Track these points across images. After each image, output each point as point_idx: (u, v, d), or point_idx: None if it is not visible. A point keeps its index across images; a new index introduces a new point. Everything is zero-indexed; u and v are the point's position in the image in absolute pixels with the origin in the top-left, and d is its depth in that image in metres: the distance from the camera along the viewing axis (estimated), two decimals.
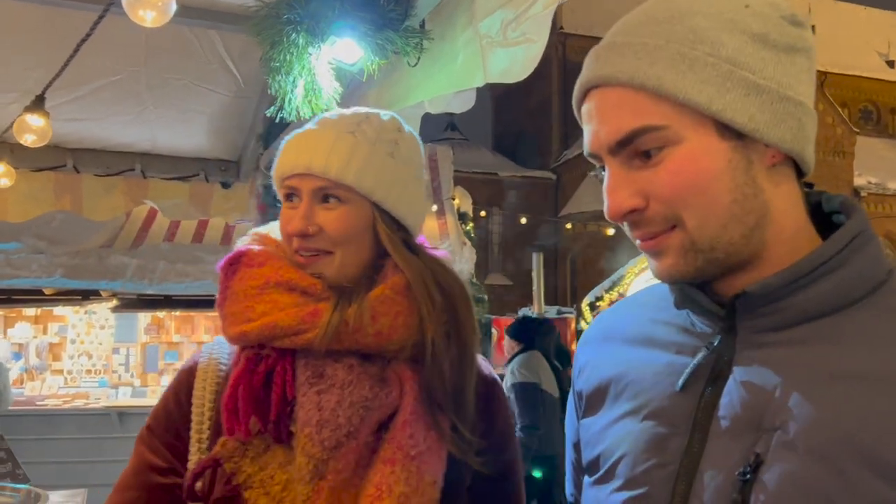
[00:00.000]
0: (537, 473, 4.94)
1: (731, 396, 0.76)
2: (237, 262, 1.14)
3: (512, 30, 1.57)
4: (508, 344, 5.51)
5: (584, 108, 0.82)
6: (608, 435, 0.86)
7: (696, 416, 0.77)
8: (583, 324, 14.79)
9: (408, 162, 1.16)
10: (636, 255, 12.91)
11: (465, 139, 31.80)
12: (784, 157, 0.78)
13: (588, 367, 0.95)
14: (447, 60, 1.79)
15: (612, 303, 12.71)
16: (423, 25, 1.87)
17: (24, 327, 7.61)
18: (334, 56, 1.80)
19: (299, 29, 1.68)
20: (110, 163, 3.52)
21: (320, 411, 1.05)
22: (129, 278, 6.82)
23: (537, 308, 18.09)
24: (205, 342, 7.75)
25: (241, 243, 1.18)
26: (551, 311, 18.53)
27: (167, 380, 7.54)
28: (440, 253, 1.20)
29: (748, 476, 0.72)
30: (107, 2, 2.37)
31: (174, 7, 1.54)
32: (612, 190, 0.78)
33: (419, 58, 1.82)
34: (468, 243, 6.76)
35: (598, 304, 13.89)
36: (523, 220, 23.39)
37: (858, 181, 26.41)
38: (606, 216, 0.79)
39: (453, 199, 6.61)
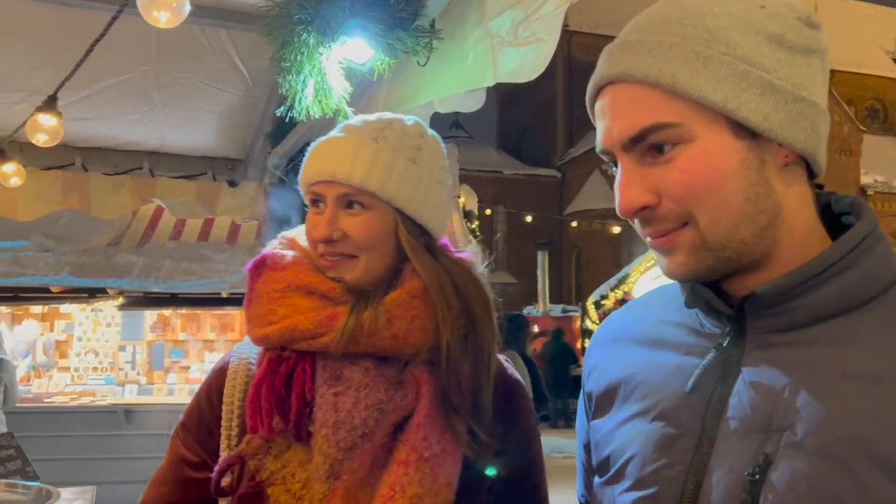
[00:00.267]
0: None
1: (740, 397, 0.76)
2: (262, 266, 1.17)
3: (522, 29, 1.57)
4: None
5: (598, 106, 0.82)
6: (618, 436, 0.87)
7: (706, 417, 0.78)
8: (588, 322, 14.77)
9: (430, 167, 1.18)
10: (642, 254, 12.90)
11: (470, 137, 31.81)
12: (796, 158, 0.78)
13: (598, 369, 0.96)
14: (457, 60, 1.79)
15: (617, 301, 12.71)
16: (433, 25, 1.87)
17: (31, 325, 7.64)
18: (344, 56, 1.80)
19: (310, 29, 1.68)
20: (118, 161, 3.53)
21: (337, 412, 1.07)
22: (135, 276, 6.84)
23: (542, 306, 18.10)
24: (210, 340, 7.79)
25: (270, 246, 1.21)
26: (556, 310, 18.55)
27: (173, 377, 7.59)
28: (464, 255, 1.22)
29: (757, 476, 0.72)
30: (116, 2, 2.38)
31: (188, 7, 1.54)
32: (624, 186, 0.78)
33: (429, 57, 1.82)
34: (474, 241, 6.77)
35: (603, 302, 13.87)
36: (528, 219, 23.37)
37: (865, 180, 26.32)
38: (618, 212, 0.79)
39: (459, 198, 6.62)
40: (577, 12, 29.53)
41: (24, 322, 7.61)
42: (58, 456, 5.95)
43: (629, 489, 0.82)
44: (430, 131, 1.22)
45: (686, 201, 0.75)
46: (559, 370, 13.10)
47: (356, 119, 1.20)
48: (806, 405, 0.72)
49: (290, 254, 1.17)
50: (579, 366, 12.24)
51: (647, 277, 12.44)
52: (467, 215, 7.11)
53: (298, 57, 1.72)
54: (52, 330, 7.73)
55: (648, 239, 0.80)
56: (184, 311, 7.69)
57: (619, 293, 13.08)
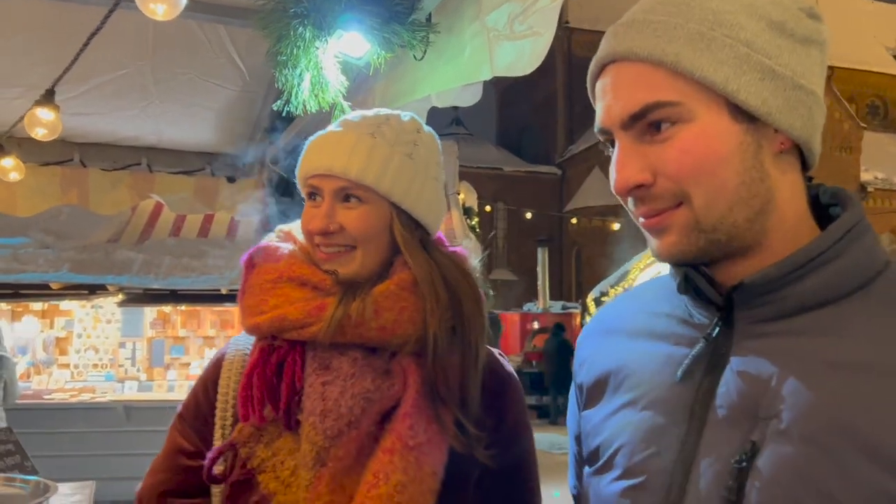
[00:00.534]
0: None
1: (728, 386, 0.77)
2: (257, 257, 1.19)
3: (519, 23, 1.57)
4: None
5: (599, 84, 0.82)
6: (608, 426, 0.87)
7: (694, 406, 0.78)
8: (588, 318, 14.80)
9: (426, 162, 1.20)
10: (642, 251, 12.91)
11: (470, 134, 31.80)
12: (791, 146, 0.79)
13: (589, 361, 0.96)
14: (454, 54, 1.79)
15: None
16: (429, 19, 1.87)
17: (30, 321, 7.64)
18: (341, 50, 1.80)
19: (306, 23, 1.68)
20: (117, 157, 3.53)
21: (324, 401, 1.09)
22: (135, 273, 6.85)
23: (542, 303, 18.11)
24: (210, 336, 7.80)
25: (267, 239, 1.23)
26: (556, 306, 18.57)
27: (173, 374, 7.59)
28: (458, 250, 1.23)
29: (744, 463, 0.72)
30: None
31: (184, 1, 1.55)
32: (621, 164, 0.78)
33: (426, 51, 1.82)
34: (473, 238, 6.77)
35: (603, 299, 13.86)
36: (528, 215, 23.38)
37: (865, 176, 26.30)
38: (613, 190, 0.79)
39: (458, 195, 6.62)
40: (578, 8, 29.51)
41: (24, 319, 7.61)
42: (58, 452, 5.95)
43: (618, 478, 0.83)
44: (427, 128, 1.23)
45: (682, 180, 0.75)
46: (559, 366, 13.10)
47: (353, 114, 1.22)
48: (792, 393, 0.72)
49: (284, 246, 1.19)
50: None
51: (648, 274, 12.42)
52: (467, 212, 7.12)
53: (294, 51, 1.72)
54: (51, 327, 7.73)
55: (641, 220, 0.80)
56: (184, 307, 7.70)
57: (619, 290, 13.06)
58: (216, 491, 1.18)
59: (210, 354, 7.73)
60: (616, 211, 25.25)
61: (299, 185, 1.19)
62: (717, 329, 0.80)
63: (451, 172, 6.36)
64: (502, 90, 35.44)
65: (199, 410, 1.22)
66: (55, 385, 7.30)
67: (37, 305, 7.56)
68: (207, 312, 7.82)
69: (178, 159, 3.61)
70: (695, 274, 0.82)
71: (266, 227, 3.72)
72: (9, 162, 3.03)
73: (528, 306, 19.14)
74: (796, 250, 0.77)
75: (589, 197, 28.23)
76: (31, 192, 3.39)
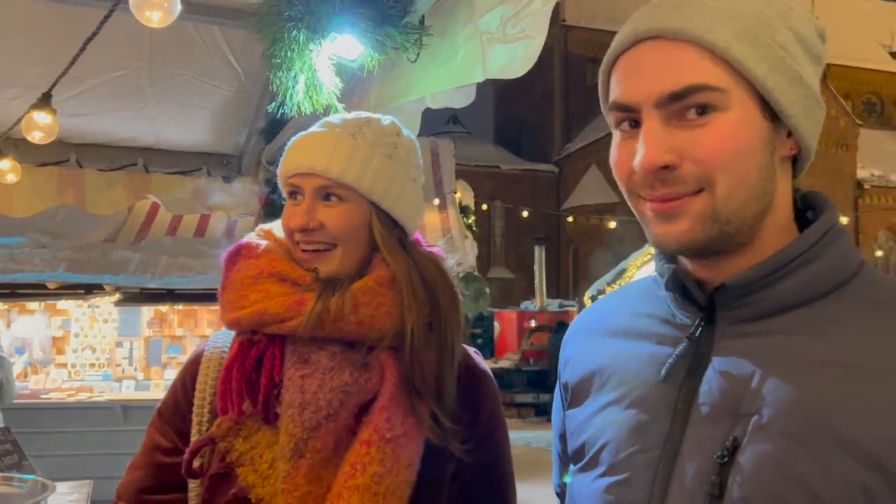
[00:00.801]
0: None
1: (710, 385, 0.79)
2: (237, 254, 1.22)
3: (511, 26, 1.59)
4: None
5: (628, 58, 0.81)
6: (593, 423, 0.89)
7: (677, 404, 0.80)
8: None
9: (405, 164, 1.23)
10: (639, 248, 12.92)
11: (467, 132, 31.80)
12: (795, 152, 0.82)
13: (573, 360, 0.98)
14: (447, 56, 1.80)
15: None
16: (422, 21, 1.88)
17: (27, 321, 7.64)
18: (335, 52, 1.82)
19: (300, 26, 1.70)
20: (113, 158, 3.55)
21: (303, 394, 1.12)
22: (131, 272, 6.86)
23: (539, 301, 18.13)
24: (207, 336, 7.80)
25: (247, 237, 1.25)
26: (553, 305, 18.58)
27: (171, 373, 7.59)
28: (434, 250, 1.27)
29: (726, 459, 0.74)
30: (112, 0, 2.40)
31: (179, 7, 1.57)
32: (650, 142, 0.77)
33: (419, 54, 1.84)
34: (470, 236, 6.79)
35: (600, 297, 13.91)
36: (525, 214, 23.40)
37: (861, 173, 26.35)
38: (637, 166, 0.78)
39: (455, 193, 6.64)
40: (575, 7, 29.51)
41: (21, 318, 7.62)
42: (56, 452, 5.96)
43: (603, 475, 0.85)
44: (406, 132, 1.27)
45: (712, 166, 0.76)
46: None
47: (335, 116, 1.25)
48: (772, 391, 0.75)
49: (264, 243, 1.22)
50: None
51: (645, 271, 12.46)
52: (464, 211, 7.14)
53: (289, 54, 1.73)
54: (48, 326, 7.74)
55: (650, 203, 0.80)
56: (181, 306, 7.70)
57: (616, 287, 13.12)
58: (193, 486, 1.20)
59: None
60: (613, 209, 25.26)
61: (281, 185, 1.22)
62: (699, 329, 0.82)
63: (448, 171, 6.37)
64: (499, 88, 35.44)
65: (177, 407, 1.25)
66: (52, 385, 7.30)
67: (33, 305, 7.57)
68: (204, 312, 7.83)
69: (174, 160, 3.63)
70: (683, 273, 0.84)
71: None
72: (6, 164, 3.05)
73: (525, 304, 19.15)
74: (774, 253, 0.79)
75: (586, 195, 28.25)
76: (28, 193, 3.40)
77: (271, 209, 3.36)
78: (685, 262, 0.86)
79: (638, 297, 0.94)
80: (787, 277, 0.78)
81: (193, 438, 1.20)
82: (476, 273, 13.99)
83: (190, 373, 1.26)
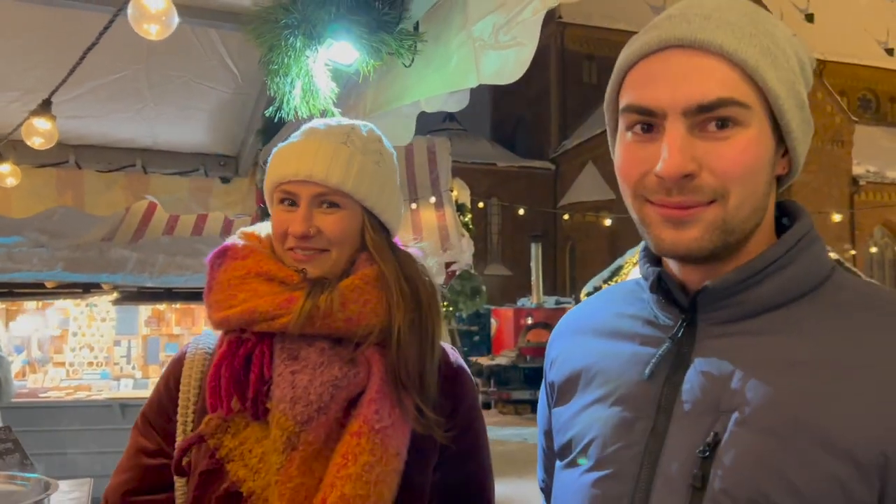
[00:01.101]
0: None
1: (691, 383, 0.83)
2: (223, 256, 1.25)
3: (504, 33, 1.62)
4: None
5: (651, 62, 0.82)
6: (579, 421, 0.93)
7: (661, 402, 0.85)
8: None
9: (391, 170, 1.29)
10: (635, 246, 12.96)
11: (464, 129, 31.82)
12: (786, 171, 0.87)
13: (559, 360, 1.03)
14: (441, 62, 1.83)
15: None
16: (417, 28, 1.91)
17: (25, 320, 7.66)
18: (331, 58, 1.85)
19: (297, 33, 1.73)
20: (112, 159, 3.56)
21: (294, 389, 1.16)
22: (129, 271, 6.88)
23: (536, 298, 18.17)
24: None
25: (229, 239, 1.29)
26: (550, 301, 18.63)
27: (163, 372, 7.59)
28: (413, 251, 1.32)
29: (707, 454, 0.79)
30: (108, 3, 2.42)
31: (177, 20, 1.60)
32: (676, 149, 0.79)
33: (413, 59, 1.87)
34: (466, 235, 6.81)
35: (596, 294, 13.94)
36: (521, 211, 23.45)
37: (857, 170, 26.41)
38: (659, 172, 0.80)
39: (452, 191, 6.65)
40: (571, 4, 29.48)
41: (18, 318, 7.64)
42: (54, 450, 5.99)
43: (590, 470, 0.89)
44: (385, 139, 1.32)
45: (730, 179, 0.79)
46: None
47: (318, 122, 1.29)
48: (751, 388, 0.79)
49: (249, 244, 1.26)
50: None
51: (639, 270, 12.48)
52: (460, 209, 7.15)
53: (286, 60, 1.77)
54: (46, 325, 7.76)
55: (660, 209, 0.82)
56: (178, 305, 7.74)
57: (612, 284, 13.16)
58: (179, 485, 1.24)
59: None
60: (609, 206, 25.29)
61: (269, 191, 1.25)
62: (681, 330, 0.86)
63: (444, 169, 6.39)
64: (496, 85, 35.39)
65: (161, 408, 1.28)
66: (51, 383, 7.34)
67: (31, 304, 7.60)
68: (202, 310, 7.81)
69: (172, 160, 3.65)
70: (667, 276, 0.88)
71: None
72: (6, 168, 3.07)
73: (521, 301, 19.19)
74: (752, 258, 0.84)
75: (582, 192, 28.29)
76: (27, 194, 3.42)
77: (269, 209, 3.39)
78: (672, 265, 0.89)
79: (622, 298, 0.98)
80: (764, 281, 0.82)
81: (179, 438, 1.23)
82: (473, 271, 14.01)
83: (173, 374, 1.29)
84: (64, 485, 3.00)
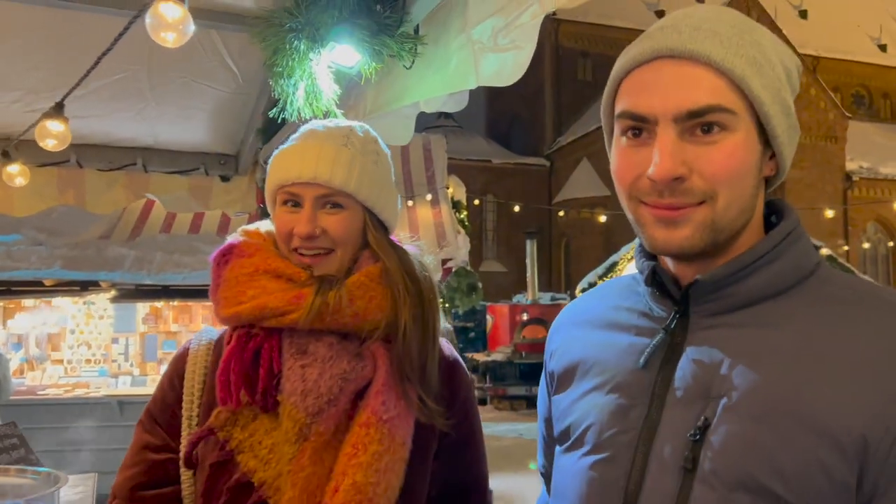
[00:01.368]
0: None
1: (684, 371, 0.89)
2: (229, 254, 1.29)
3: (502, 37, 1.66)
4: None
5: (643, 72, 0.88)
6: (577, 408, 0.98)
7: (654, 389, 0.90)
8: None
9: (387, 170, 1.33)
10: (629, 242, 13.02)
11: (459, 126, 31.78)
12: (774, 173, 0.92)
13: (559, 351, 1.08)
14: (441, 64, 1.88)
15: None
16: (417, 31, 1.96)
17: (23, 318, 7.69)
18: (333, 60, 1.89)
19: (301, 36, 1.77)
20: (112, 158, 3.59)
21: (304, 382, 1.20)
22: (127, 269, 6.91)
23: (531, 294, 18.22)
24: None
25: (232, 238, 1.33)
26: (545, 298, 18.68)
27: (166, 368, 7.62)
28: (410, 248, 1.36)
29: (698, 437, 0.84)
30: (111, 4, 2.46)
31: (192, 29, 1.64)
32: (668, 154, 0.84)
33: (413, 61, 1.92)
34: (462, 232, 6.85)
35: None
36: (516, 208, 23.49)
37: (850, 166, 26.50)
38: (651, 175, 0.85)
39: (448, 189, 6.69)
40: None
41: (17, 315, 7.66)
42: (53, 447, 6.02)
43: (587, 454, 0.94)
44: (380, 139, 1.37)
45: (717, 181, 0.85)
46: None
47: (316, 125, 1.33)
48: (739, 375, 0.84)
49: (254, 243, 1.30)
50: None
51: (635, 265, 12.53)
52: (456, 206, 7.18)
53: (290, 62, 1.81)
54: (44, 323, 7.78)
55: (652, 210, 0.87)
56: (175, 302, 7.76)
57: (607, 280, 13.19)
58: (186, 477, 1.27)
59: None
60: (604, 202, 25.35)
61: (270, 193, 1.29)
62: (674, 321, 0.91)
63: (440, 166, 6.42)
64: None
65: (166, 405, 1.31)
66: (49, 381, 7.36)
67: (29, 302, 7.61)
68: (199, 307, 7.89)
69: (172, 159, 3.68)
70: (662, 270, 0.93)
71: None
72: (14, 168, 3.10)
73: (517, 298, 19.24)
74: (741, 253, 0.89)
75: (577, 189, 28.33)
76: (29, 193, 3.45)
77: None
78: (666, 260, 0.95)
79: (618, 292, 1.04)
80: (752, 275, 0.88)
81: (184, 433, 1.27)
82: (468, 268, 14.04)
83: (177, 370, 1.33)
84: (70, 479, 3.04)
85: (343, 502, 1.14)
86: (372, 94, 2.20)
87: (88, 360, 7.70)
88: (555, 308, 16.39)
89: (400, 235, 1.38)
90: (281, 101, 1.92)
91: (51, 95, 3.07)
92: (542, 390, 1.14)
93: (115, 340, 7.79)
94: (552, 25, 30.40)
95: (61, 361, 7.66)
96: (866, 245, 26.63)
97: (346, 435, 1.20)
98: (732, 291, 0.88)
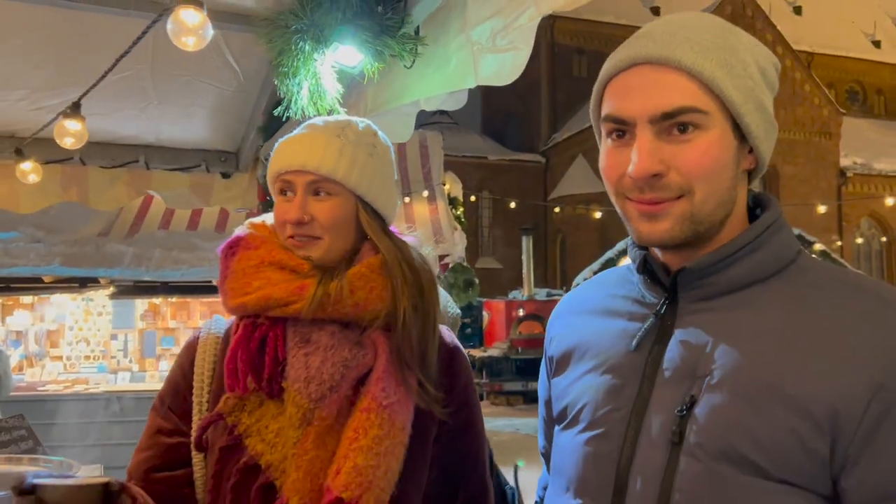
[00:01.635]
0: None
1: (672, 353, 0.96)
2: (236, 246, 1.34)
3: (501, 38, 1.72)
4: None
5: (623, 78, 0.95)
6: (574, 389, 1.06)
7: (645, 370, 0.97)
8: None
9: (385, 162, 1.38)
10: (624, 237, 13.09)
11: (455, 123, 31.80)
12: (753, 166, 0.99)
13: (558, 337, 1.16)
14: (440, 64, 1.94)
15: None
16: (417, 32, 2.02)
17: (22, 315, 7.72)
18: (337, 60, 1.95)
19: (305, 37, 1.83)
20: (115, 155, 3.64)
21: (307, 369, 1.25)
22: (126, 266, 6.93)
23: (527, 290, 18.30)
24: (201, 327, 7.87)
25: (239, 230, 1.38)
26: (541, 293, 18.76)
27: (165, 364, 7.70)
28: (409, 239, 1.41)
29: (684, 413, 0.91)
30: (114, 4, 2.52)
31: (211, 33, 1.70)
32: (645, 153, 0.91)
33: (414, 61, 1.98)
34: (459, 228, 6.90)
35: None
36: (512, 204, 23.55)
37: (844, 162, 26.63)
38: (631, 173, 0.93)
39: (444, 185, 6.74)
40: None
41: (15, 312, 7.69)
42: (53, 443, 6.05)
43: (583, 430, 1.01)
44: (382, 134, 1.41)
45: (693, 177, 0.92)
46: None
47: (317, 119, 1.39)
48: (722, 355, 0.91)
49: (259, 235, 1.35)
50: None
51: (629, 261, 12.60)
52: (452, 202, 7.23)
53: (295, 63, 1.86)
54: (42, 320, 7.81)
55: (637, 204, 0.95)
56: (174, 299, 7.80)
57: None
58: (197, 460, 1.32)
59: None
60: (599, 199, 25.41)
61: (270, 183, 1.34)
62: (664, 307, 0.99)
63: (436, 163, 6.47)
64: None
65: (177, 391, 1.36)
66: (48, 377, 7.40)
67: (28, 299, 7.65)
68: (197, 304, 7.93)
69: (174, 157, 3.72)
70: (652, 259, 1.00)
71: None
72: (27, 165, 3.15)
73: (513, 294, 19.32)
74: (726, 243, 0.96)
75: (573, 185, 28.40)
76: (34, 191, 3.49)
77: (269, 203, 3.48)
78: (655, 250, 1.02)
79: (614, 282, 1.11)
80: (736, 263, 0.95)
81: (195, 418, 1.32)
82: (465, 264, 14.10)
83: (188, 358, 1.38)
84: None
85: (344, 483, 1.19)
86: (372, 92, 2.25)
87: (87, 357, 7.75)
88: (550, 304, 16.45)
89: (398, 228, 1.43)
90: (286, 100, 1.98)
91: (54, 94, 3.12)
92: (542, 375, 1.21)
93: (113, 337, 7.83)
94: (547, 22, 30.40)
95: (60, 358, 7.70)
96: (860, 240, 26.78)
97: (348, 420, 1.25)
98: (717, 279, 0.95)
